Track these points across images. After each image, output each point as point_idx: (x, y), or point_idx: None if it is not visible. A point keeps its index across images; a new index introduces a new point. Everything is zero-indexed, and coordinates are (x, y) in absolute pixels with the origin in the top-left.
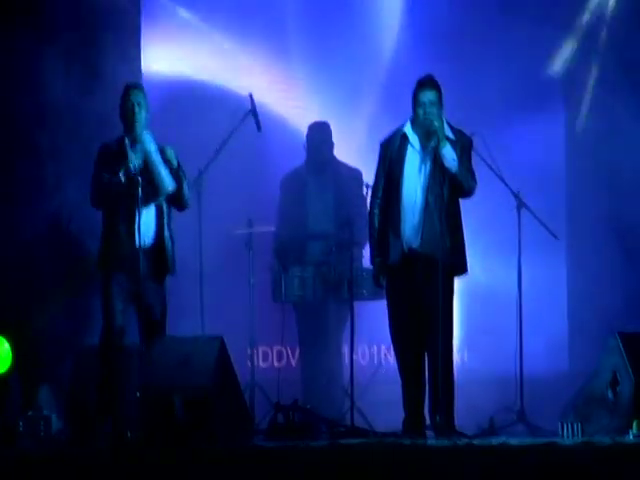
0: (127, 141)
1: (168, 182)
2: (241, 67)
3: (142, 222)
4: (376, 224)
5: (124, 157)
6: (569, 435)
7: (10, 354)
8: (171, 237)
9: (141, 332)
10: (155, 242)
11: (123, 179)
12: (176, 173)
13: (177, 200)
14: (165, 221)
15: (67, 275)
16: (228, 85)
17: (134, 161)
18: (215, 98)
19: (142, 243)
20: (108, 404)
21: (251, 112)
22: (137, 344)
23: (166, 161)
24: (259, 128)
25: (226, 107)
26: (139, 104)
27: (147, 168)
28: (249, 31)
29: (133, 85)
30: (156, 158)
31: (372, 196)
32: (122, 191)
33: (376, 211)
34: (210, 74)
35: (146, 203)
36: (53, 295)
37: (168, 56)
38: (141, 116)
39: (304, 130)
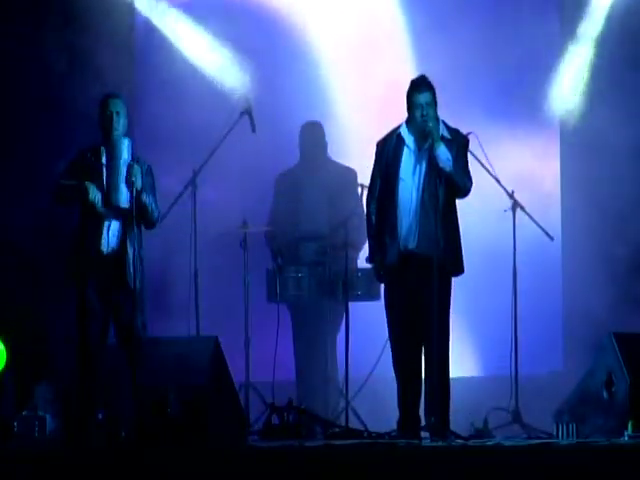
0: (103, 151)
1: (121, 199)
2: (236, 66)
3: (109, 231)
4: (374, 222)
5: (97, 170)
6: (564, 436)
7: (5, 354)
8: (136, 250)
9: (116, 338)
10: (118, 251)
11: (77, 193)
12: (137, 192)
13: (141, 219)
14: (129, 233)
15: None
16: (225, 84)
17: (91, 194)
18: (211, 97)
19: (105, 250)
20: (90, 405)
21: (246, 112)
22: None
23: (128, 177)
24: (254, 129)
25: (221, 107)
26: (117, 113)
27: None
28: (244, 30)
29: (112, 94)
30: (119, 171)
31: (368, 196)
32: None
33: (373, 209)
34: (205, 74)
35: (106, 213)
36: (49, 294)
37: (162, 56)
38: (119, 124)
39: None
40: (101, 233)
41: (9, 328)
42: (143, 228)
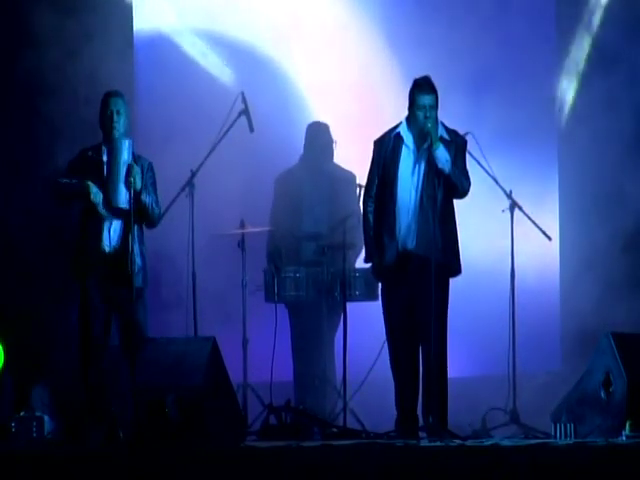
0: (104, 151)
1: (120, 199)
2: (235, 65)
3: (111, 230)
4: (371, 222)
5: (97, 169)
6: (562, 435)
7: (2, 354)
8: (140, 250)
9: (119, 336)
10: (120, 250)
11: (77, 191)
12: (136, 193)
13: (143, 218)
14: (132, 233)
15: (62, 274)
16: (222, 84)
17: (96, 198)
18: (208, 97)
19: (107, 249)
20: (97, 405)
21: (244, 112)
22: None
23: (128, 177)
24: (251, 129)
25: (219, 107)
26: (118, 112)
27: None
28: (243, 29)
29: (113, 93)
30: (119, 171)
31: (365, 195)
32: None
33: (370, 209)
34: (204, 73)
35: (106, 214)
36: (48, 295)
37: (161, 57)
38: (119, 124)
39: (297, 130)
40: (102, 232)
41: (7, 328)
42: (144, 226)
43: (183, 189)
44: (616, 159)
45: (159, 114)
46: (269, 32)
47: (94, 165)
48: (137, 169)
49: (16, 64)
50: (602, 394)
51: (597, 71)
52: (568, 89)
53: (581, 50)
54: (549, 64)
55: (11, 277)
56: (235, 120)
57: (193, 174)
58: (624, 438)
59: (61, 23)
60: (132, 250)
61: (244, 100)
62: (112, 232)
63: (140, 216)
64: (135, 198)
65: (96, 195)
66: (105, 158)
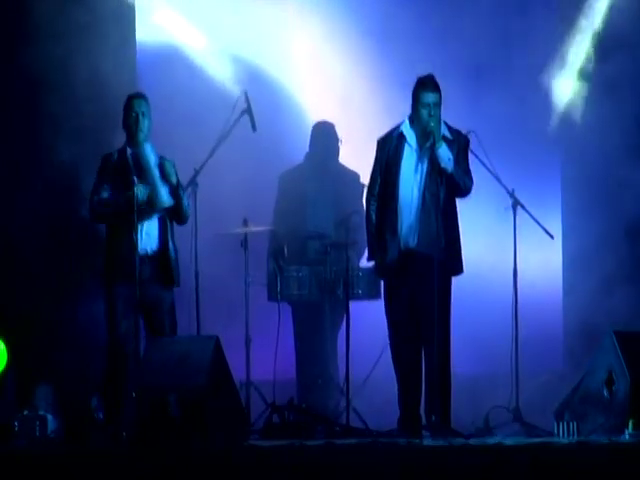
0: (129, 153)
1: (165, 198)
2: (236, 64)
3: (145, 231)
4: (374, 220)
5: (126, 173)
6: (565, 434)
7: (5, 353)
8: (175, 248)
9: (148, 338)
10: (159, 251)
11: (124, 204)
12: (174, 189)
13: (176, 215)
14: (169, 231)
15: (66, 274)
16: (224, 83)
17: (140, 195)
18: (211, 96)
19: (145, 251)
20: (113, 409)
21: (246, 111)
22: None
23: (164, 176)
24: (254, 128)
25: (222, 106)
26: (143, 114)
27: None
28: (244, 28)
29: (136, 95)
30: (154, 173)
31: (368, 193)
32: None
33: (373, 207)
34: (206, 72)
35: (142, 216)
36: (50, 294)
37: (164, 55)
38: (144, 125)
39: (300, 129)
40: (138, 236)
41: (10, 328)
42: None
43: (186, 188)
44: (619, 157)
45: (161, 113)
46: (270, 31)
47: (122, 168)
48: (169, 163)
49: (16, 61)
50: (605, 392)
51: (599, 65)
52: (569, 84)
53: (582, 42)
54: (549, 58)
55: (12, 277)
56: (238, 119)
57: (196, 173)
58: (627, 437)
59: (62, 20)
60: (172, 250)
61: (247, 99)
62: (152, 235)
63: (176, 213)
64: (175, 193)
65: (143, 195)
66: (136, 184)
